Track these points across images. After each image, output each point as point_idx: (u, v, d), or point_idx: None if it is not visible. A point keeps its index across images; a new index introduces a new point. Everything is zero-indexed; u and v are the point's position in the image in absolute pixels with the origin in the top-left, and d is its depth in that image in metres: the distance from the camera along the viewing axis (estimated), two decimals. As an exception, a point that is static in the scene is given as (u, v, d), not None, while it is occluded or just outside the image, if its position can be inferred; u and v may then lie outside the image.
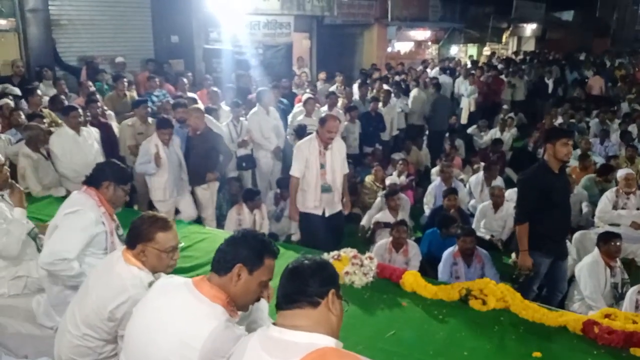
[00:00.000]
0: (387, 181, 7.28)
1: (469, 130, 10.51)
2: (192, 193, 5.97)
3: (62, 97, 7.07)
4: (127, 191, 3.11)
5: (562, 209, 4.27)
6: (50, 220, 3.09)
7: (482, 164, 7.73)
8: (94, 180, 3.03)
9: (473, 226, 6.10)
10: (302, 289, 1.66)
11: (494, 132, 10.09)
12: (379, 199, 6.62)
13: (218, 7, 10.40)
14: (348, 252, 3.54)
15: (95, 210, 2.93)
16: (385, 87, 10.11)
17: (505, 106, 11.66)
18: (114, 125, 6.62)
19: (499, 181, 7.04)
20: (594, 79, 14.58)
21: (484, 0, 20.28)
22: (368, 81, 10.74)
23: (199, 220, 5.78)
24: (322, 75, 11.62)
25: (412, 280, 3.25)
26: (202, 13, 10.50)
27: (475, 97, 11.96)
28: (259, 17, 11.60)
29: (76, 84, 8.45)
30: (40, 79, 7.95)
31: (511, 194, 6.25)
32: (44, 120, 5.76)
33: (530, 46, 24.24)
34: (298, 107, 8.32)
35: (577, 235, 5.47)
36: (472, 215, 6.67)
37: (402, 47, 18.21)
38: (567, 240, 4.78)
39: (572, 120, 10.51)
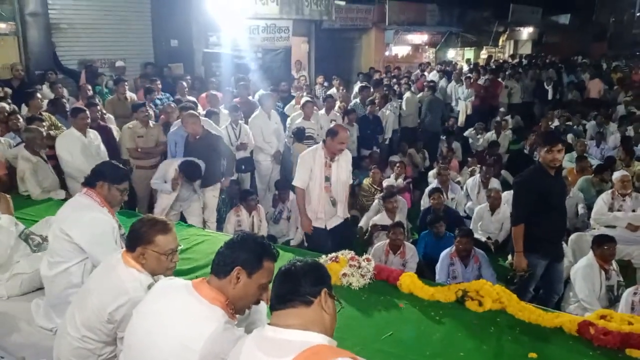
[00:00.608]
0: (385, 184, 7.31)
1: (466, 133, 10.57)
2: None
3: (64, 100, 7.12)
4: (123, 190, 3.12)
5: (558, 211, 4.30)
6: (53, 221, 3.12)
7: (479, 166, 7.77)
8: (90, 180, 3.06)
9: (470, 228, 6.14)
10: (295, 289, 1.69)
11: (490, 135, 10.14)
12: (376, 201, 6.66)
13: (218, 12, 10.45)
14: (346, 254, 3.57)
15: (100, 209, 2.98)
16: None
17: (502, 109, 11.72)
18: (114, 129, 6.65)
19: (495, 183, 7.09)
20: (593, 82, 14.63)
21: (481, 5, 20.38)
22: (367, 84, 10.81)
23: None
24: (320, 79, 11.66)
25: (409, 281, 3.27)
26: (202, 17, 10.55)
27: (472, 100, 12.01)
28: (258, 21, 11.66)
29: (76, 87, 8.49)
30: (42, 82, 7.98)
31: (508, 196, 6.28)
32: (43, 124, 5.78)
33: (527, 50, 24.35)
34: (291, 106, 8.36)
35: (573, 237, 5.50)
36: (469, 217, 6.72)
37: (400, 50, 18.30)
38: (563, 242, 4.82)
39: (569, 123, 10.57)
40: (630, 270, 5.37)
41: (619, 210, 5.77)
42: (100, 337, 2.40)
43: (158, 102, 7.66)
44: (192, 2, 10.39)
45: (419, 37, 18.40)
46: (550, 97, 14.03)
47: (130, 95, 7.77)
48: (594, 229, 5.75)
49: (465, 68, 15.65)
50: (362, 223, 6.51)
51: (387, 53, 17.29)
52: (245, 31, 11.30)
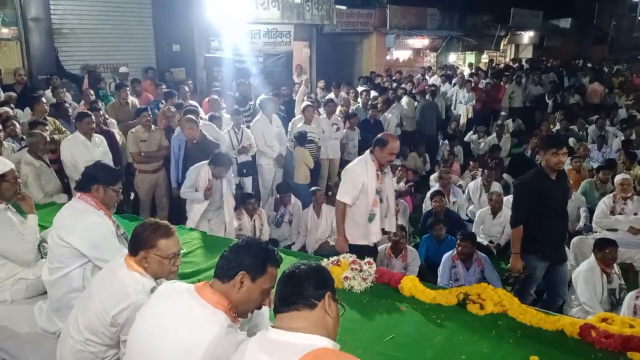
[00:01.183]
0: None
1: (466, 138, 10.59)
2: None
3: (67, 105, 7.16)
4: (118, 191, 3.14)
5: (559, 214, 4.31)
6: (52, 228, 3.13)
7: (480, 170, 7.79)
8: (84, 185, 3.05)
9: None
10: (299, 292, 1.70)
11: (492, 139, 10.16)
12: (378, 205, 6.66)
13: (219, 16, 10.50)
14: (347, 258, 3.58)
15: (96, 213, 2.99)
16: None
17: (503, 113, 11.74)
18: (116, 133, 6.68)
19: (497, 187, 7.10)
20: (593, 86, 14.65)
21: (482, 9, 20.44)
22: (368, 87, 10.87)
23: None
24: (322, 84, 11.70)
25: (410, 285, 3.28)
26: (203, 22, 10.60)
27: (473, 104, 12.04)
28: (259, 26, 11.71)
29: (78, 92, 8.53)
30: (47, 87, 8.02)
31: (509, 199, 6.29)
32: (46, 128, 5.81)
33: (528, 54, 24.35)
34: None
35: (574, 240, 5.51)
36: (471, 221, 6.72)
37: (401, 55, 18.33)
38: (565, 246, 4.82)
39: (572, 127, 10.57)
40: (632, 274, 5.37)
41: (620, 214, 5.79)
42: (103, 340, 2.41)
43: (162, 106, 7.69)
44: (194, 7, 10.45)
45: (420, 42, 18.44)
46: (550, 104, 14.01)
47: (131, 99, 7.80)
48: (596, 232, 5.76)
49: (467, 72, 15.66)
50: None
51: (388, 57, 17.33)
52: (246, 36, 11.35)
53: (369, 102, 9.76)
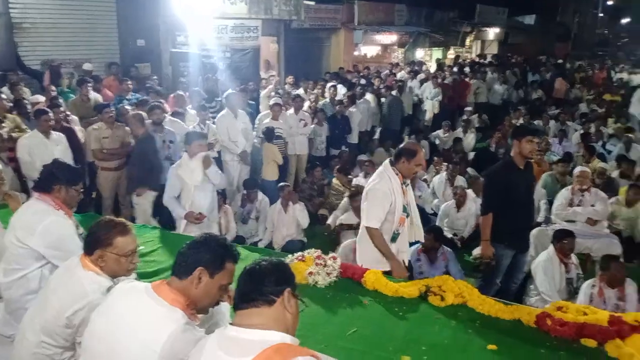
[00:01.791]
0: (354, 182, 7.36)
1: (432, 135, 10.74)
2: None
3: (26, 102, 6.96)
4: (80, 190, 3.08)
5: (525, 203, 4.47)
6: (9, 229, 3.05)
7: (445, 164, 7.91)
8: (44, 185, 2.99)
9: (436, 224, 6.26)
10: (258, 288, 1.71)
11: (457, 133, 10.32)
12: (345, 200, 6.71)
13: (185, 11, 10.35)
14: (312, 253, 3.59)
15: (56, 213, 2.93)
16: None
17: (469, 108, 11.94)
18: (78, 130, 6.54)
19: (461, 181, 7.22)
20: (559, 81, 15.07)
21: (448, 5, 20.71)
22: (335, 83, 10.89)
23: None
24: (290, 79, 11.68)
25: (373, 278, 3.31)
26: (169, 17, 10.45)
27: (439, 99, 12.21)
28: (226, 20, 11.61)
29: (39, 88, 8.29)
30: (3, 83, 7.77)
31: (473, 193, 6.43)
32: (3, 125, 5.65)
33: (493, 50, 24.81)
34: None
35: (534, 232, 5.63)
36: (436, 214, 6.83)
37: (369, 51, 18.42)
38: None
39: (535, 121, 10.82)
40: (590, 264, 5.53)
41: (578, 206, 5.95)
42: (58, 342, 2.36)
43: (126, 102, 7.55)
44: (159, 1, 10.28)
45: (388, 37, 18.56)
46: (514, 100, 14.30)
47: (93, 95, 7.64)
48: (555, 223, 5.92)
49: (433, 68, 15.87)
50: (330, 220, 6.55)
51: (356, 53, 17.39)
52: (213, 31, 11.24)
53: (336, 98, 9.78)
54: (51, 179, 2.99)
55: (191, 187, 4.64)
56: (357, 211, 6.09)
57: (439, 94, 12.24)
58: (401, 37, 18.98)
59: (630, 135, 9.27)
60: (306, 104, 9.34)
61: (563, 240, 4.71)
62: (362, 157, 8.61)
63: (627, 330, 2.67)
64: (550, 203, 6.51)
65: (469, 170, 8.09)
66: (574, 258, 4.91)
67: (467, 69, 15.50)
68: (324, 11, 15.35)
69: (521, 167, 4.31)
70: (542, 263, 4.72)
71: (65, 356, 2.41)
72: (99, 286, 2.32)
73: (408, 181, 3.92)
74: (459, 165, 7.58)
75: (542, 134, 9.02)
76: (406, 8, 18.67)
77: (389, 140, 9.79)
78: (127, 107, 6.89)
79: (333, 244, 5.82)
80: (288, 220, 6.30)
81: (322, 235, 6.60)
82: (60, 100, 6.99)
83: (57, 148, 5.47)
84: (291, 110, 8.29)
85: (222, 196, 6.21)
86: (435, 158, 8.60)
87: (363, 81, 12.49)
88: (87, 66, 9.28)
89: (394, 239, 3.88)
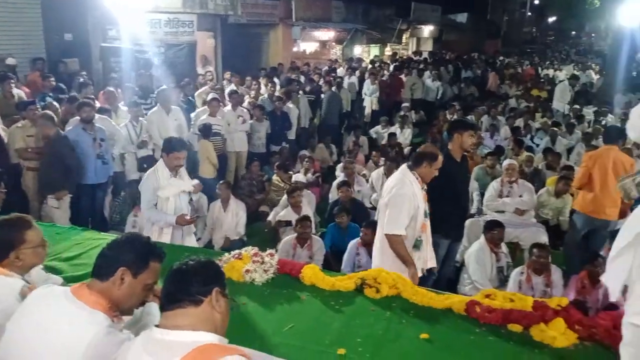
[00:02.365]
0: (294, 179, 7.37)
1: (371, 131, 10.92)
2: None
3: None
4: (2, 191, 2.92)
5: (461, 194, 4.65)
6: None
7: (383, 159, 8.05)
8: None
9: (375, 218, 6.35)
10: (185, 288, 1.67)
11: (394, 129, 10.53)
12: (285, 196, 6.70)
13: (116, 4, 9.95)
14: (249, 251, 3.56)
15: None
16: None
17: (405, 104, 12.22)
18: (0, 129, 6.16)
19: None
20: (492, 76, 15.77)
21: (385, 3, 21.07)
22: (276, 79, 10.84)
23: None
24: (227, 75, 11.52)
25: (310, 273, 3.32)
26: (99, 10, 10.00)
27: (377, 95, 12.42)
28: (159, 15, 11.26)
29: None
30: None
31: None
32: None
33: (428, 47, 25.49)
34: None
35: (467, 223, 5.82)
36: (374, 208, 6.92)
37: (308, 47, 18.46)
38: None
39: (468, 116, 11.20)
40: (519, 252, 5.81)
41: (507, 197, 6.23)
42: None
43: (49, 99, 7.16)
44: (87, -8, 9.84)
45: (326, 34, 18.67)
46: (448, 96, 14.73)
47: (17, 92, 7.22)
48: (486, 214, 6.17)
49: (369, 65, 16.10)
50: (270, 217, 6.53)
51: (295, 49, 17.38)
52: (146, 25, 10.88)
53: (274, 94, 9.74)
54: None
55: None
56: (295, 207, 6.11)
57: (376, 91, 12.45)
58: (339, 33, 19.14)
59: (555, 129, 9.82)
60: (247, 101, 9.25)
61: (492, 230, 4.92)
62: (304, 153, 8.62)
63: (550, 314, 2.80)
64: (482, 195, 6.77)
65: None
66: (503, 247, 5.14)
67: (396, 64, 15.84)
68: (262, 6, 15.21)
69: (458, 160, 4.48)
70: (475, 253, 4.90)
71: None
72: (10, 290, 2.19)
73: (425, 186, 3.87)
74: (395, 160, 7.73)
75: (478, 128, 9.40)
76: (343, 5, 18.82)
77: (328, 136, 9.89)
78: (55, 103, 6.54)
79: (274, 241, 5.81)
80: (228, 218, 6.21)
81: (262, 233, 6.57)
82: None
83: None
84: (229, 107, 8.17)
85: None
86: (374, 153, 8.73)
87: (303, 79, 12.49)
88: (10, 61, 8.74)
89: (416, 246, 3.83)
